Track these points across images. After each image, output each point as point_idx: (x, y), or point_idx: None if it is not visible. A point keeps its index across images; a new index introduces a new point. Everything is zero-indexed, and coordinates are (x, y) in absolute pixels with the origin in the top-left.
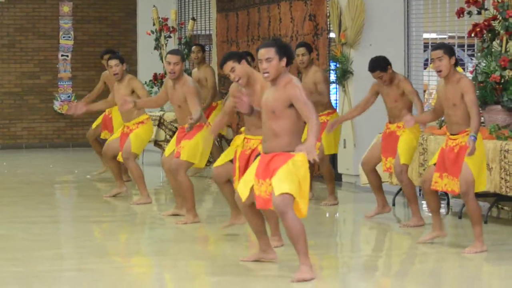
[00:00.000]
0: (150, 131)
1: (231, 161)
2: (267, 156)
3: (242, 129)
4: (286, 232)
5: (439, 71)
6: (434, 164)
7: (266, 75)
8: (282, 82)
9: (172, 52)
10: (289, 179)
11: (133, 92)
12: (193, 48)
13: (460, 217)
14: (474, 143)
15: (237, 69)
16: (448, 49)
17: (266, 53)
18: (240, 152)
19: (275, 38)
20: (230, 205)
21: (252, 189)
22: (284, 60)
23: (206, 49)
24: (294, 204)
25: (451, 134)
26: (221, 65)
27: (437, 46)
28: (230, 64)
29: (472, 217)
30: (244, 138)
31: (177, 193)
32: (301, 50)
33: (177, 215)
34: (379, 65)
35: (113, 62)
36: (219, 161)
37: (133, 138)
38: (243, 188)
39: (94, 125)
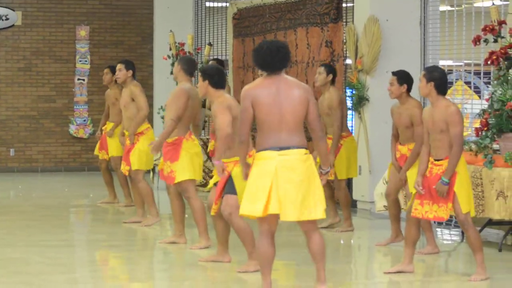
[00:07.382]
0: (151, 140)
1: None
2: None
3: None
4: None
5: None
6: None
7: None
8: None
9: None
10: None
11: (133, 99)
12: None
13: None
14: (443, 188)
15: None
16: (429, 75)
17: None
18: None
19: None
20: (218, 240)
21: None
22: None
23: None
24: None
25: (436, 160)
26: None
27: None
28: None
29: (472, 245)
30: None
31: (178, 219)
32: (319, 69)
33: (174, 243)
34: (399, 73)
35: (118, 65)
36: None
37: (133, 155)
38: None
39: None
